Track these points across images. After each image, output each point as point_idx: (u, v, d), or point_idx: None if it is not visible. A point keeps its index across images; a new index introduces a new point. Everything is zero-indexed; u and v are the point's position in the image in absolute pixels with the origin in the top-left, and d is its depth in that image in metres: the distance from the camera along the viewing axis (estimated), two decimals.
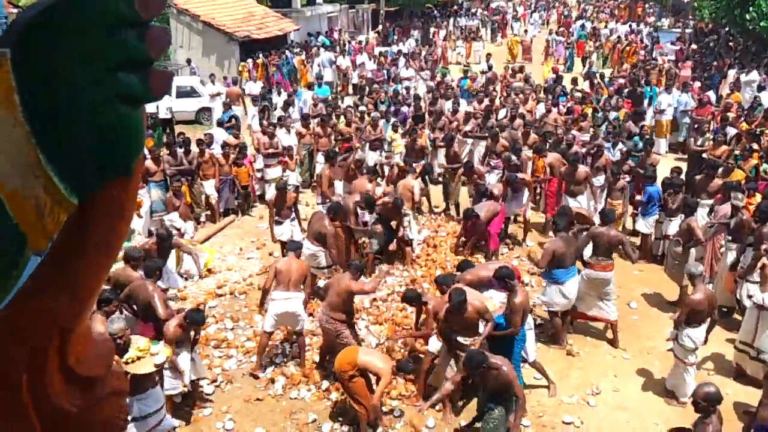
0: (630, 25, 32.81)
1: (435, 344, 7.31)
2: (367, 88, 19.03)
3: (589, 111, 15.47)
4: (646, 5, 43.66)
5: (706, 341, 7.31)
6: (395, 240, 10.41)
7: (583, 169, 10.76)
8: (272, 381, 7.80)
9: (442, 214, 12.71)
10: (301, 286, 7.91)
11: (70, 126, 1.29)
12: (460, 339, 6.87)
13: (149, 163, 11.72)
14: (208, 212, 12.79)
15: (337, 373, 6.78)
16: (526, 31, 35.86)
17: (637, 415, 7.20)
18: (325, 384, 7.67)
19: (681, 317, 7.10)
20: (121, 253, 9.16)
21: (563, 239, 8.17)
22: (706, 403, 5.24)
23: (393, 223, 10.17)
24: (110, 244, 1.50)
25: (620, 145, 12.58)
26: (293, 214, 10.49)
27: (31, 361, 1.43)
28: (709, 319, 7.18)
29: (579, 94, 17.03)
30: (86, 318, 1.54)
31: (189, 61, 22.62)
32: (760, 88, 17.51)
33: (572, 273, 8.21)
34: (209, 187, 12.60)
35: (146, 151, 12.15)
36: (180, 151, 12.43)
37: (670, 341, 7.35)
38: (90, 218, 1.43)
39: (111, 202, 1.43)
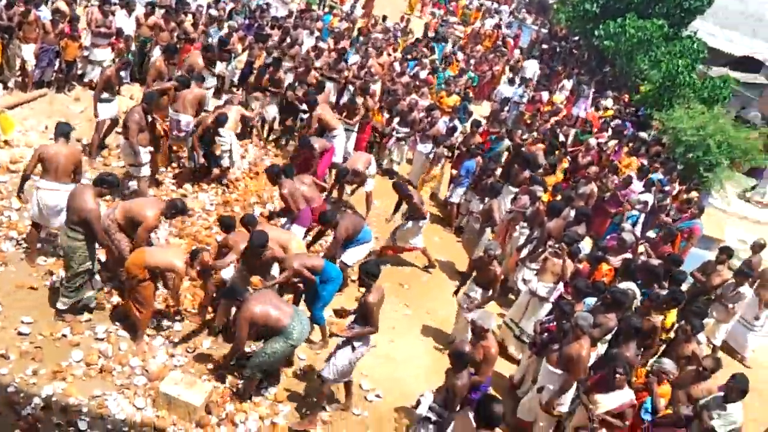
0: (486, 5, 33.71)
1: (228, 273, 7.37)
2: None
3: (437, 80, 16.00)
4: None
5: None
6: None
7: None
8: (51, 273, 7.41)
9: (274, 144, 12.61)
10: (71, 177, 7.33)
11: None
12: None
13: None
14: (20, 79, 11.58)
15: (126, 276, 6.60)
16: None
17: (403, 366, 7.82)
18: (108, 286, 7.43)
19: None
20: None
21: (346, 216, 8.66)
22: (456, 360, 5.79)
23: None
24: None
25: (455, 122, 13.15)
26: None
27: None
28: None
29: (427, 61, 17.46)
30: None
31: None
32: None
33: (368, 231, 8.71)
34: (28, 51, 11.39)
35: None
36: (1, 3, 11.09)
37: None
38: None
39: None
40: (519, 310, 8.53)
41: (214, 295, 7.26)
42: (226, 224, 7.32)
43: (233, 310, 6.89)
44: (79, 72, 12.43)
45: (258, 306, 6.14)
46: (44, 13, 11.89)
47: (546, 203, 10.05)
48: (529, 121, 14.37)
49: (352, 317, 6.65)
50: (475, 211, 10.90)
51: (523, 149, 12.38)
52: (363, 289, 6.62)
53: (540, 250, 8.98)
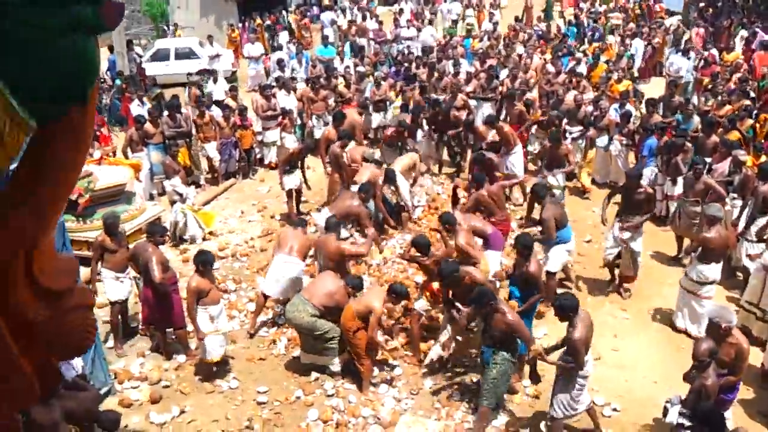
0: None
1: (421, 303, 7.42)
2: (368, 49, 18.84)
3: (603, 74, 15.23)
4: None
5: None
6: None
7: (565, 148, 10.48)
8: (274, 342, 7.90)
9: (444, 176, 12.68)
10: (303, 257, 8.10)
11: (25, 52, 1.32)
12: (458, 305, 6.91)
13: (148, 125, 11.69)
14: (209, 175, 12.77)
15: (344, 331, 6.87)
16: None
17: (635, 373, 7.30)
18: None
19: (692, 247, 7.52)
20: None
21: (553, 203, 8.36)
22: (699, 360, 5.31)
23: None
24: (70, 168, 1.59)
25: (627, 107, 12.38)
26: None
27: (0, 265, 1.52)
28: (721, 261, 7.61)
29: (581, 56, 16.75)
30: (50, 235, 1.63)
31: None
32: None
33: (570, 231, 8.41)
34: (211, 149, 12.57)
35: (145, 113, 12.12)
36: (180, 115, 12.34)
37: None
38: (50, 143, 1.51)
39: (69, 128, 1.51)
40: (755, 289, 7.68)
41: (424, 333, 7.37)
42: (419, 244, 7.38)
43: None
44: (258, 156, 13.44)
45: (511, 313, 6.08)
46: (216, 112, 13.07)
47: (754, 166, 9.07)
48: (710, 86, 13.16)
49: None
50: (671, 194, 10.09)
51: (709, 115, 11.34)
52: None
53: (762, 220, 8.06)
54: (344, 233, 9.16)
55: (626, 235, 8.34)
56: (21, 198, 1.53)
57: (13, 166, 1.57)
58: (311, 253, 8.48)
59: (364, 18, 23.16)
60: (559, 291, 8.47)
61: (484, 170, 9.81)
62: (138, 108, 13.40)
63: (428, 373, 7.28)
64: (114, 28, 1.41)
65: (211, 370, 7.28)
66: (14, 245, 1.54)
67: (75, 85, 1.44)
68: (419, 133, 12.31)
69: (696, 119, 11.64)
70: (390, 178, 9.96)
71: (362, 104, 13.13)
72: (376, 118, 13.95)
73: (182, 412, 6.78)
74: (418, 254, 7.44)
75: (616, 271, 8.75)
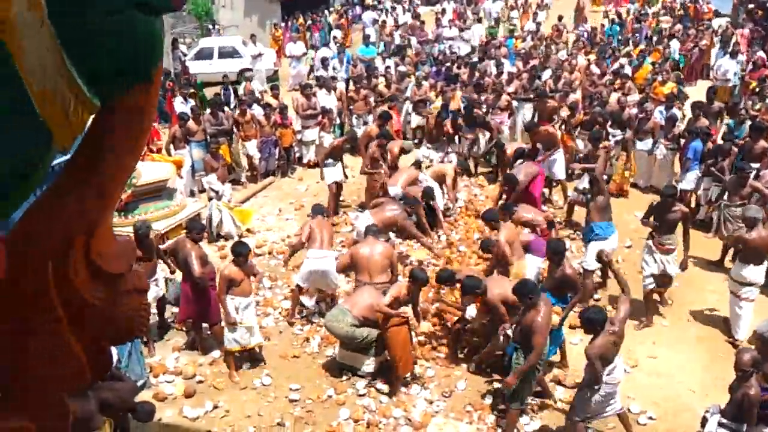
0: None
1: (471, 311, 7.34)
2: (408, 49, 18.83)
3: (648, 75, 14.92)
4: None
5: None
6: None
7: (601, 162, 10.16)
8: (308, 339, 7.94)
9: (481, 177, 12.58)
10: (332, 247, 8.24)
11: (92, 30, 1.35)
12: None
13: (191, 122, 11.87)
14: (248, 173, 12.90)
15: (381, 324, 6.87)
16: None
17: (672, 381, 7.12)
18: None
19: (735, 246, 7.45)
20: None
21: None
22: (741, 370, 5.17)
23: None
24: (131, 148, 1.60)
25: (673, 111, 12.07)
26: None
27: (59, 250, 1.54)
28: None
29: (625, 60, 16.43)
30: (109, 217, 1.64)
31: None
32: None
33: (612, 228, 8.28)
34: (252, 147, 12.69)
35: (188, 111, 12.31)
36: (222, 113, 12.50)
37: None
38: (112, 122, 1.52)
39: (132, 108, 1.52)
40: None
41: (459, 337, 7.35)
42: (443, 278, 7.30)
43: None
44: (297, 155, 13.54)
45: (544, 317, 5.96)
46: (257, 110, 13.19)
47: None
48: (757, 89, 12.76)
49: None
50: (715, 200, 9.83)
51: (757, 120, 11.01)
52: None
53: None
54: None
55: (669, 257, 7.96)
56: (81, 182, 1.54)
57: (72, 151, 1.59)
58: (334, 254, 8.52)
59: (415, 17, 23.25)
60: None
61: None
62: (181, 105, 13.59)
63: (462, 375, 7.25)
64: (179, 9, 1.45)
65: (241, 365, 7.36)
66: (74, 228, 1.56)
67: (139, 65, 1.46)
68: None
69: (747, 124, 11.28)
70: (429, 195, 9.86)
71: (392, 98, 13.17)
72: (416, 119, 13.93)
73: (215, 407, 6.86)
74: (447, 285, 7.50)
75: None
